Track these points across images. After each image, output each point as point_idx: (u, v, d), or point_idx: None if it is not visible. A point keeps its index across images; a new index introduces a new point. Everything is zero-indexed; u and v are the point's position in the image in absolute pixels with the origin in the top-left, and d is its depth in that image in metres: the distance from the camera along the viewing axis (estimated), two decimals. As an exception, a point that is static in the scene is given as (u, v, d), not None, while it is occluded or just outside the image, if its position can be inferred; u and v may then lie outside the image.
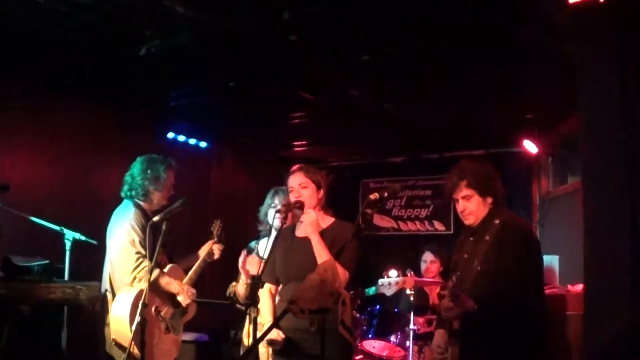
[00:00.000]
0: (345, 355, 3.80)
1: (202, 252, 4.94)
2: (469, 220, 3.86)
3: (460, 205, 3.85)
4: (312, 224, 3.86)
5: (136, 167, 4.76)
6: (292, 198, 4.03)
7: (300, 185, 4.01)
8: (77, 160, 6.40)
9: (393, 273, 6.00)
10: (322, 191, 4.05)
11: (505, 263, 3.54)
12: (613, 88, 3.49)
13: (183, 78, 5.99)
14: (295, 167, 4.12)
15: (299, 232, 4.03)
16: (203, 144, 8.01)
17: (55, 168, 6.23)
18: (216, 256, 4.97)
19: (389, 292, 5.93)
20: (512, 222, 3.76)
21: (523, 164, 7.69)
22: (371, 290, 6.18)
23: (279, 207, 4.82)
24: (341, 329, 3.55)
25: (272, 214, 4.83)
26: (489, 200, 3.81)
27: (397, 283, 5.84)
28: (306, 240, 3.90)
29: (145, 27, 4.80)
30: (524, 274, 3.55)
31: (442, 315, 3.76)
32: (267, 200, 5.03)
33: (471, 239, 3.86)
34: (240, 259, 4.54)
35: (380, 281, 5.96)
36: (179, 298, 4.64)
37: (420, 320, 6.26)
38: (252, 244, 5.18)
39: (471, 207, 3.81)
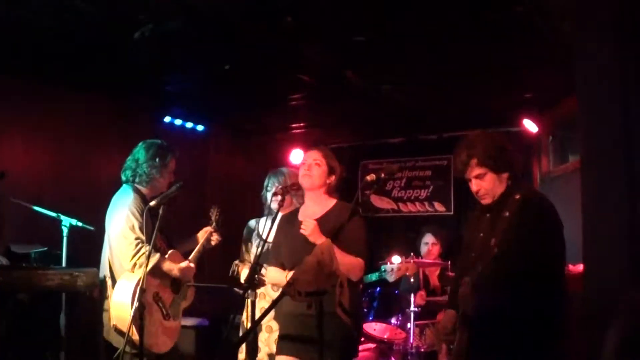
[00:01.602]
0: (344, 339, 3.81)
1: (200, 236, 4.96)
2: (486, 200, 3.62)
3: (474, 185, 3.62)
4: (314, 232, 3.82)
5: (141, 153, 4.75)
6: (302, 172, 4.03)
7: (314, 160, 4.01)
8: (74, 146, 6.41)
9: (396, 259, 6.00)
10: (333, 177, 4.06)
11: (527, 243, 3.33)
12: (611, 67, 3.43)
13: (178, 62, 5.95)
14: (317, 147, 4.15)
15: (303, 215, 4.07)
16: (200, 128, 8.00)
17: (51, 155, 6.24)
18: (214, 242, 4.99)
19: (391, 279, 5.96)
20: (534, 198, 3.53)
21: (523, 144, 7.66)
22: (373, 276, 6.18)
23: (272, 187, 4.88)
24: (339, 312, 3.55)
25: (269, 197, 4.88)
26: (505, 175, 3.58)
27: (399, 269, 5.86)
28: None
29: (139, 11, 4.78)
30: (547, 256, 3.38)
31: (460, 305, 3.55)
32: (265, 183, 5.08)
33: (487, 215, 3.64)
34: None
35: (383, 267, 5.97)
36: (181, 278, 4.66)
37: (422, 293, 6.31)
38: (252, 222, 5.22)
39: (486, 185, 3.58)
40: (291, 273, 3.78)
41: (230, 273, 5.04)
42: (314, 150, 4.11)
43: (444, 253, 6.81)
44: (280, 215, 4.31)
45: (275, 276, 4.04)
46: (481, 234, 3.60)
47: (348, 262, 3.79)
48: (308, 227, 3.86)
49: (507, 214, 3.33)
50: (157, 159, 4.71)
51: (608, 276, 3.35)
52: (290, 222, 4.11)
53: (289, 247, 4.01)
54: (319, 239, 3.78)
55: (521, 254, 3.32)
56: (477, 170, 3.58)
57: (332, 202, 4.05)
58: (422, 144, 8.77)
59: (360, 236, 3.93)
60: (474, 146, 3.59)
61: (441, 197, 8.80)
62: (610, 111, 3.43)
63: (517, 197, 3.36)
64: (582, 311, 3.48)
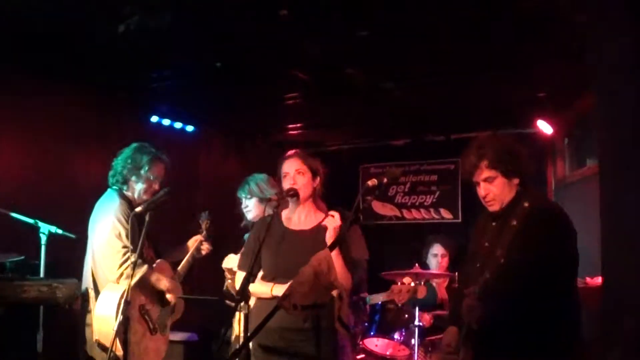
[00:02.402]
0: (342, 355, 3.79)
1: (190, 246, 4.95)
2: (494, 207, 3.63)
3: (482, 190, 3.63)
4: (335, 229, 3.80)
5: (123, 153, 4.78)
6: (286, 185, 4.02)
7: (297, 171, 4.00)
8: (52, 146, 6.33)
9: (407, 280, 5.94)
10: (317, 180, 4.05)
11: (534, 253, 3.33)
12: (629, 60, 3.40)
13: (166, 57, 5.93)
14: (291, 152, 4.11)
15: (294, 225, 4.02)
16: (190, 128, 7.97)
17: (28, 156, 6.16)
18: (204, 252, 4.97)
19: (400, 300, 5.91)
20: (544, 206, 3.54)
21: (536, 147, 7.64)
22: (379, 297, 6.19)
23: (244, 201, 4.92)
24: (338, 326, 3.53)
25: (251, 206, 4.91)
26: (515, 181, 3.59)
27: (408, 291, 5.80)
28: (301, 234, 3.93)
29: (124, 2, 4.76)
30: (556, 267, 3.37)
31: (464, 317, 3.55)
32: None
33: (493, 224, 3.66)
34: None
35: (393, 287, 5.93)
36: (168, 296, 4.63)
37: (427, 316, 6.26)
38: (247, 236, 5.20)
39: (495, 190, 3.59)
40: (278, 286, 3.76)
41: (225, 287, 5.01)
42: (290, 159, 4.07)
43: (451, 263, 6.79)
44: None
45: (259, 289, 3.99)
46: (487, 244, 3.61)
47: (340, 271, 3.74)
48: (333, 222, 3.83)
49: (514, 222, 3.35)
50: (129, 160, 4.72)
51: (629, 290, 3.30)
52: (274, 229, 4.03)
53: (274, 255, 3.96)
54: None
55: (528, 265, 3.32)
56: (487, 173, 3.58)
57: (321, 215, 4.02)
58: (428, 146, 8.77)
59: (349, 251, 3.92)
60: (485, 148, 3.60)
61: (448, 203, 8.79)
62: (629, 109, 3.37)
63: (526, 205, 3.37)
64: (600, 327, 3.46)
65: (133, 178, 4.71)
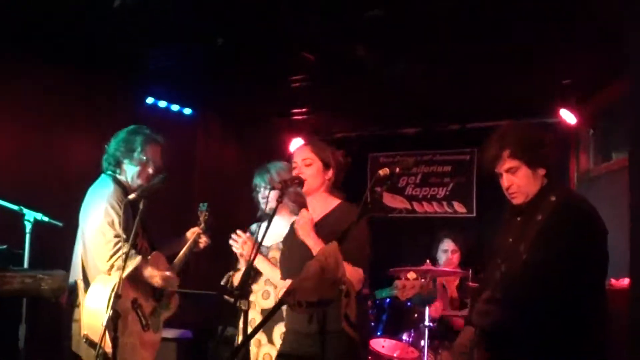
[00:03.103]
0: (350, 356, 3.77)
1: (188, 238, 4.94)
2: (518, 199, 3.57)
3: (505, 181, 3.57)
4: (304, 225, 3.82)
5: (118, 135, 4.78)
6: (294, 174, 4.02)
7: (303, 161, 4.00)
8: (39, 129, 6.30)
9: (412, 275, 5.93)
10: (330, 172, 4.03)
11: (560, 253, 3.27)
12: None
13: (163, 34, 5.91)
14: (304, 142, 4.12)
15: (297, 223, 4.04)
16: (187, 111, 7.97)
17: (12, 138, 6.14)
18: (202, 245, 4.96)
19: (403, 297, 5.89)
20: (572, 201, 3.49)
21: (559, 138, 7.61)
22: (383, 293, 6.14)
23: (262, 190, 4.88)
24: (345, 326, 3.51)
25: (260, 199, 4.87)
26: (541, 172, 3.53)
27: (413, 287, 5.78)
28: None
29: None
30: (583, 270, 3.28)
31: (476, 321, 3.56)
32: (253, 181, 5.07)
33: (518, 218, 3.61)
34: (239, 242, 4.55)
35: (395, 284, 5.90)
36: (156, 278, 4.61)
37: (437, 304, 6.24)
38: (253, 227, 5.19)
39: (518, 182, 3.53)
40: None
41: (223, 283, 4.99)
42: (300, 147, 4.12)
43: (463, 260, 6.77)
44: (276, 217, 4.27)
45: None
46: (510, 239, 3.57)
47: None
48: (301, 218, 3.87)
49: (540, 217, 3.34)
50: (122, 142, 4.71)
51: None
52: (292, 229, 4.11)
53: (285, 256, 4.03)
54: (308, 236, 3.78)
55: (552, 264, 3.26)
56: (510, 163, 3.53)
57: (334, 202, 4.00)
58: (442, 136, 8.74)
59: (361, 243, 3.88)
60: (507, 136, 3.56)
61: (462, 196, 8.77)
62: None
63: (553, 199, 3.37)
64: (626, 332, 3.43)
65: (126, 161, 4.70)
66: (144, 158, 4.71)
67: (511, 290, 3.36)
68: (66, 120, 6.51)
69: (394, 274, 6.09)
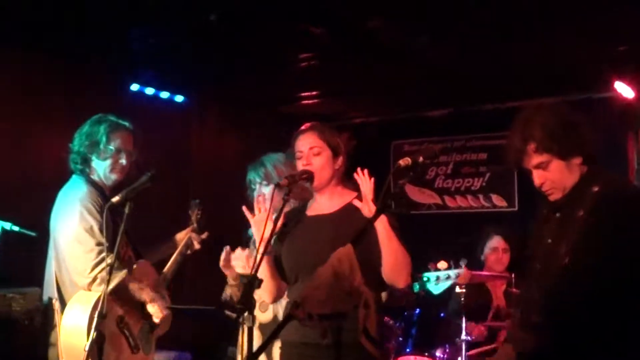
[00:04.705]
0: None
1: (178, 241, 4.94)
2: (555, 195, 3.54)
3: (537, 178, 3.54)
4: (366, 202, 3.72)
5: (80, 129, 4.79)
6: (300, 166, 4.02)
7: (311, 149, 4.00)
8: (8, 124, 6.36)
9: (442, 265, 5.94)
10: (340, 159, 4.05)
11: (610, 251, 3.22)
12: None
13: (150, 10, 5.92)
14: (306, 126, 4.11)
15: (313, 211, 4.06)
16: (179, 99, 8.02)
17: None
18: (196, 246, 4.97)
19: (437, 290, 5.90)
20: (619, 190, 3.47)
21: (614, 115, 7.59)
22: (415, 287, 6.15)
23: (258, 187, 4.88)
24: (364, 341, 3.51)
25: (255, 192, 4.87)
26: (577, 160, 3.48)
27: (448, 277, 5.78)
28: (319, 220, 3.95)
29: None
30: (638, 275, 3.24)
31: (511, 343, 3.56)
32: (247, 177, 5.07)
33: (557, 215, 3.58)
34: (222, 256, 4.54)
35: (427, 275, 5.91)
36: (150, 309, 4.63)
37: (479, 328, 6.23)
38: (251, 231, 5.19)
39: (552, 177, 3.50)
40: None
41: (223, 299, 5.01)
42: (305, 134, 4.08)
43: (512, 262, 6.74)
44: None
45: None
46: (549, 239, 3.55)
47: (403, 258, 3.73)
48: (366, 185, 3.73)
49: (581, 212, 3.32)
50: (85, 136, 4.73)
51: None
52: (294, 222, 4.09)
53: (291, 251, 3.99)
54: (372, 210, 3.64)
55: (603, 267, 3.24)
56: (538, 159, 3.49)
57: (349, 195, 4.01)
58: (475, 117, 8.78)
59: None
60: (530, 126, 3.49)
61: (501, 187, 8.77)
62: None
63: (595, 189, 3.34)
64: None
65: (93, 157, 4.72)
66: (112, 149, 4.72)
67: (551, 308, 3.33)
68: (40, 114, 6.56)
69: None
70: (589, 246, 3.25)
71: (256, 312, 4.84)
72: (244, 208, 4.03)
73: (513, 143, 3.56)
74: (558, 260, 3.31)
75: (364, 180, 3.72)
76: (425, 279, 5.92)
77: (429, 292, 5.98)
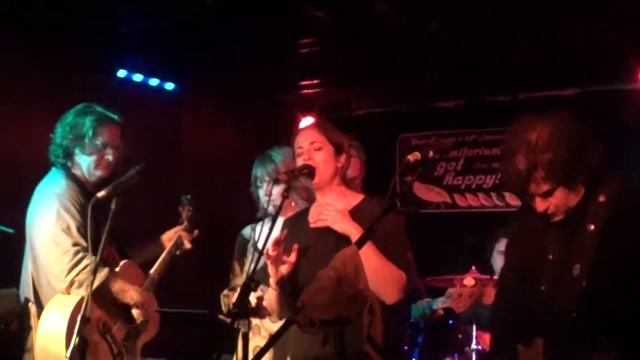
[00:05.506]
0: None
1: (167, 241, 4.93)
2: (558, 217, 3.52)
3: (539, 205, 3.51)
4: (336, 220, 3.86)
5: (63, 118, 4.80)
6: (300, 162, 4.06)
7: (312, 145, 4.05)
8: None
9: (469, 281, 5.87)
10: (343, 157, 4.11)
11: (633, 266, 3.20)
12: None
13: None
14: (308, 124, 4.12)
15: (312, 219, 4.09)
16: (170, 86, 8.01)
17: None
18: (187, 246, 4.96)
19: (460, 309, 5.84)
20: (630, 194, 3.46)
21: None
22: (429, 307, 6.12)
23: (266, 185, 4.87)
24: (369, 349, 3.50)
25: (261, 194, 4.86)
26: (581, 186, 3.47)
27: (471, 296, 5.72)
28: (321, 232, 3.96)
29: None
30: None
31: None
32: (252, 173, 5.04)
33: (556, 229, 3.57)
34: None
35: (450, 291, 5.84)
36: (135, 312, 4.62)
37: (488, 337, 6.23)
38: (246, 230, 5.21)
39: (556, 202, 3.47)
40: None
41: (223, 307, 5.01)
42: (306, 130, 4.19)
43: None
44: (281, 219, 4.26)
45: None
46: (550, 256, 3.55)
47: (384, 273, 3.78)
48: (329, 213, 3.91)
49: (592, 227, 3.30)
50: (69, 129, 4.74)
51: None
52: (298, 227, 4.13)
53: (299, 263, 4.00)
54: (350, 227, 3.82)
55: (627, 293, 3.21)
56: (545, 187, 3.45)
57: (355, 198, 4.12)
58: (488, 109, 8.76)
59: (400, 241, 3.95)
60: (540, 149, 3.41)
61: (515, 185, 8.72)
62: None
63: (602, 199, 3.35)
64: None
65: (77, 150, 4.72)
66: (98, 144, 4.72)
67: (579, 332, 3.29)
68: (19, 102, 6.51)
69: (433, 285, 6.08)
70: (608, 266, 3.22)
71: (266, 322, 4.85)
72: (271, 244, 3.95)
73: (517, 168, 3.48)
74: (572, 282, 3.28)
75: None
76: (448, 295, 5.86)
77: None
